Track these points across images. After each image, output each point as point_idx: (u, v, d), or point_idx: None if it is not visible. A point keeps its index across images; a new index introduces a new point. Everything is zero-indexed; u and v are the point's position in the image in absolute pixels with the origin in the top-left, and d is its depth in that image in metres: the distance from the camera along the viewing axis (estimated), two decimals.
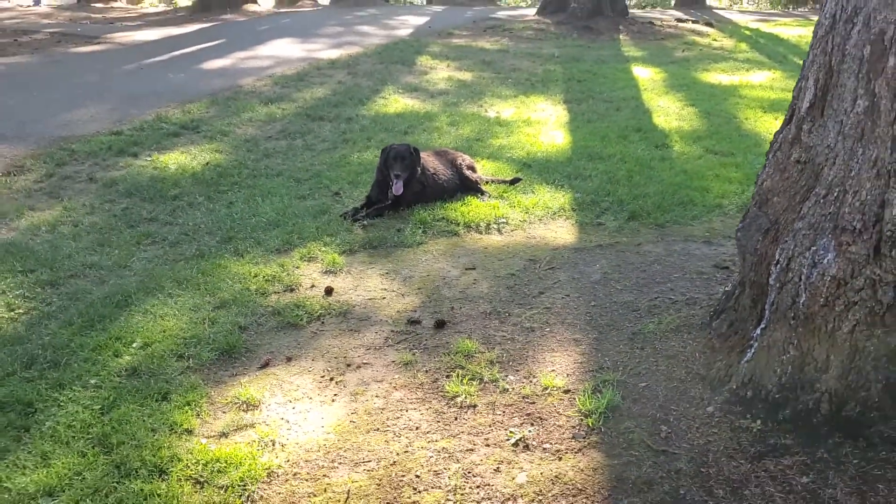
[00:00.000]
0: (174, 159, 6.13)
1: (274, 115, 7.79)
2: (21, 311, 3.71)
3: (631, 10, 19.29)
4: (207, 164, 6.10)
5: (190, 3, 19.08)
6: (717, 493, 2.54)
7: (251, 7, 18.49)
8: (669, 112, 8.75)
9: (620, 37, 15.08)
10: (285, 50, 11.85)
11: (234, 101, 8.21)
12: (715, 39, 15.08)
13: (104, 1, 19.81)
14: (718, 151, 6.95)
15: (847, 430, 2.64)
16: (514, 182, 5.96)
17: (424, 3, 28.95)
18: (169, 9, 19.82)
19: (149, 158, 6.13)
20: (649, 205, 5.51)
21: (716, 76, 11.20)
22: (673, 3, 25.50)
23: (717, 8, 23.63)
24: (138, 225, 4.83)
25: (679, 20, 17.81)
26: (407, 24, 16.09)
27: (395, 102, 8.68)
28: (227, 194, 5.45)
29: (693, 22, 17.58)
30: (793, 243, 2.77)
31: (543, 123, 7.99)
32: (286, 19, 16.50)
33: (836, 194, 2.66)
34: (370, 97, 8.85)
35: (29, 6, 17.90)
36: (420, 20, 17.12)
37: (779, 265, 2.82)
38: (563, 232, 5.11)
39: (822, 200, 2.71)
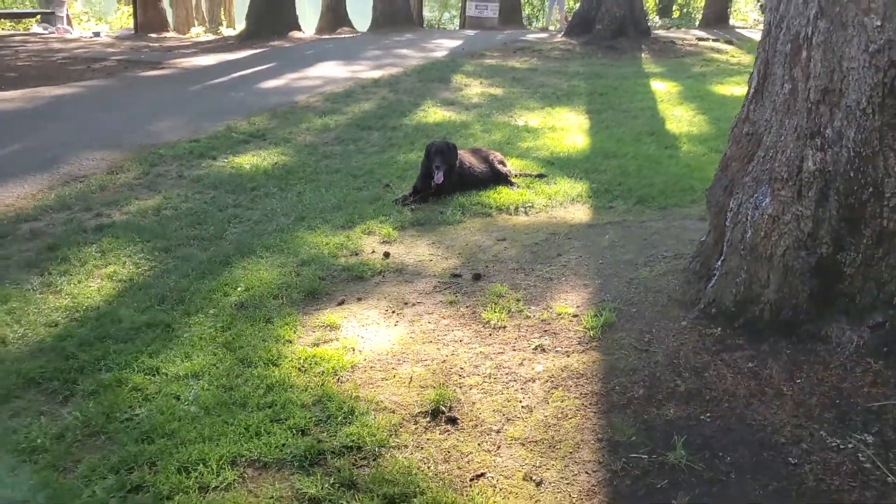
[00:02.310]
0: (247, 161, 7.20)
1: (328, 125, 8.85)
2: (146, 267, 4.74)
3: (655, 31, 20.21)
4: (276, 164, 7.16)
5: (237, 32, 20.46)
6: (685, 375, 3.44)
7: (296, 34, 19.78)
8: (682, 119, 9.66)
9: (642, 55, 16.01)
10: (332, 71, 12.99)
11: (291, 115, 9.31)
12: (733, 56, 15.95)
13: (158, 31, 21.24)
14: (722, 150, 7.81)
15: (782, 330, 3.53)
16: (539, 177, 6.91)
17: (457, 28, 30.20)
18: (219, 37, 21.19)
19: (226, 160, 7.20)
20: (655, 192, 6.43)
21: (729, 88, 12.07)
22: (697, 23, 26.38)
23: (739, 27, 24.41)
24: (226, 209, 5.86)
25: (700, 39, 18.70)
26: (442, 47, 17.19)
27: (434, 114, 9.71)
28: (296, 187, 6.48)
29: (714, 40, 18.46)
30: (742, 194, 3.69)
31: (566, 130, 8.95)
32: (329, 45, 17.72)
33: (771, 154, 3.58)
34: (411, 110, 9.90)
35: (91, 37, 19.33)
36: (454, 43, 18.21)
37: (732, 211, 3.73)
38: (579, 213, 6.04)
39: (761, 160, 3.63)
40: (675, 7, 32.26)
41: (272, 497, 2.68)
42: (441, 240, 5.41)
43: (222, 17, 30.62)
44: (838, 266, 3.43)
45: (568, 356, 3.68)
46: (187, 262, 4.77)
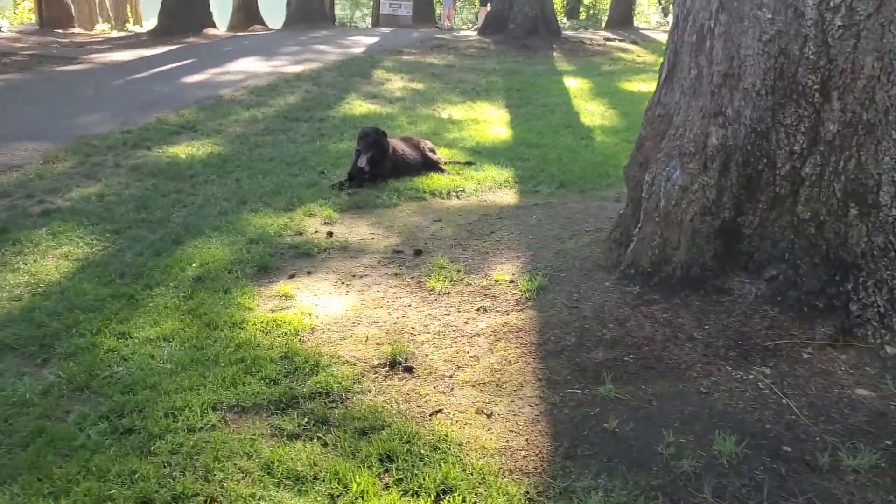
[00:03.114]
0: (182, 150, 7.35)
1: (256, 117, 9.05)
2: (99, 247, 4.91)
3: (564, 32, 21.01)
4: (211, 153, 7.33)
5: (150, 29, 20.17)
6: (610, 325, 3.89)
7: (210, 31, 19.66)
8: (594, 113, 10.28)
9: (554, 54, 16.70)
10: (253, 66, 13.10)
11: (218, 107, 9.45)
12: (638, 55, 16.81)
13: (63, 27, 20.71)
14: (632, 140, 8.40)
15: (692, 285, 4.03)
16: (468, 164, 7.33)
17: (369, 26, 30.43)
18: (130, 34, 20.84)
19: (160, 150, 7.33)
20: (574, 177, 6.94)
21: (636, 85, 12.82)
22: (603, 24, 27.45)
23: (643, 28, 25.56)
24: (169, 195, 6.03)
25: (607, 39, 19.58)
26: (359, 44, 17.45)
27: (359, 106, 10.02)
28: (233, 174, 6.69)
29: (620, 41, 19.37)
30: (655, 168, 4.18)
31: (489, 122, 9.42)
32: (246, 41, 17.73)
33: (680, 132, 4.08)
34: (337, 103, 10.17)
35: None
36: (371, 40, 18.50)
37: (647, 184, 4.22)
38: (507, 197, 6.48)
39: (672, 138, 4.13)
40: (581, 9, 33.41)
41: (253, 434, 2.98)
42: (380, 221, 5.74)
43: (128, 13, 29.93)
44: (738, 228, 3.96)
45: (508, 315, 4.09)
46: (139, 243, 4.95)
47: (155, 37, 18.21)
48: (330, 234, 5.39)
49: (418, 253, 5.06)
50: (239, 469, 2.76)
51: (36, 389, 3.23)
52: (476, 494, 2.70)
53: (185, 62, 13.51)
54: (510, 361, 3.64)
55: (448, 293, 4.40)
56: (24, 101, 9.56)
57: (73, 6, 23.47)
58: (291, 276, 4.63)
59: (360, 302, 4.29)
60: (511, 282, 4.49)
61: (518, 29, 17.79)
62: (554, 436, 3.10)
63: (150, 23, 29.89)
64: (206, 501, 2.59)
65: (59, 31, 19.56)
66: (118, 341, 3.64)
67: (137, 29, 25.19)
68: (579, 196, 6.46)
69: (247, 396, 3.21)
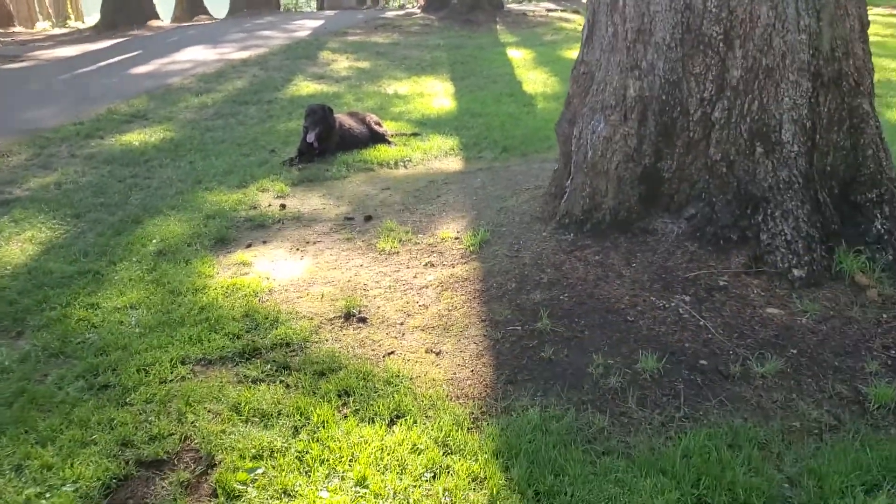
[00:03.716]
0: (135, 138, 7.49)
1: (205, 103, 9.19)
2: (61, 231, 5.10)
3: (508, 5, 21.26)
4: (163, 139, 7.49)
5: (93, 24, 19.99)
6: (547, 270, 4.21)
7: (155, 23, 19.56)
8: (536, 82, 10.58)
9: (497, 27, 16.96)
10: (200, 55, 13.16)
11: (168, 96, 9.56)
12: (579, 24, 17.10)
13: (3, 26, 20.43)
14: None
15: (620, 228, 4.37)
16: (414, 135, 7.60)
17: (314, 10, 30.32)
18: (73, 30, 20.60)
19: (113, 139, 7.47)
20: (517, 142, 7.25)
21: (576, 53, 13.12)
22: None
23: None
24: (125, 180, 6.20)
25: (549, 10, 19.88)
26: (304, 28, 17.52)
27: (306, 87, 10.20)
28: (186, 157, 6.88)
29: (562, 11, 19.69)
30: (582, 122, 4.50)
31: (434, 95, 9.67)
32: (191, 31, 17.68)
33: (601, 87, 4.40)
34: (284, 85, 10.34)
35: None
36: (315, 23, 18.57)
37: (575, 138, 4.54)
38: (453, 164, 6.77)
39: (595, 93, 4.45)
40: None
41: (221, 382, 3.24)
42: (331, 192, 6.00)
43: (69, 10, 29.46)
44: (659, 173, 4.31)
45: (453, 267, 4.40)
46: (100, 224, 5.15)
47: (98, 31, 18.09)
48: (283, 206, 5.63)
49: (368, 219, 5.33)
50: (209, 411, 3.03)
51: (13, 358, 3.46)
52: (426, 417, 3.01)
53: (132, 54, 13.50)
54: (456, 307, 3.94)
55: (397, 252, 4.68)
56: None
57: (11, 5, 23.10)
58: (248, 246, 4.87)
59: (315, 265, 4.56)
60: (456, 238, 4.79)
61: (461, 4, 18.02)
62: (496, 366, 3.42)
63: (91, 18, 29.49)
64: (180, 439, 2.86)
65: (1, 30, 19.30)
66: (88, 312, 3.87)
67: (79, 25, 24.87)
68: (521, 159, 6.77)
69: (212, 350, 3.47)
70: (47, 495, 2.57)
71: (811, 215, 3.99)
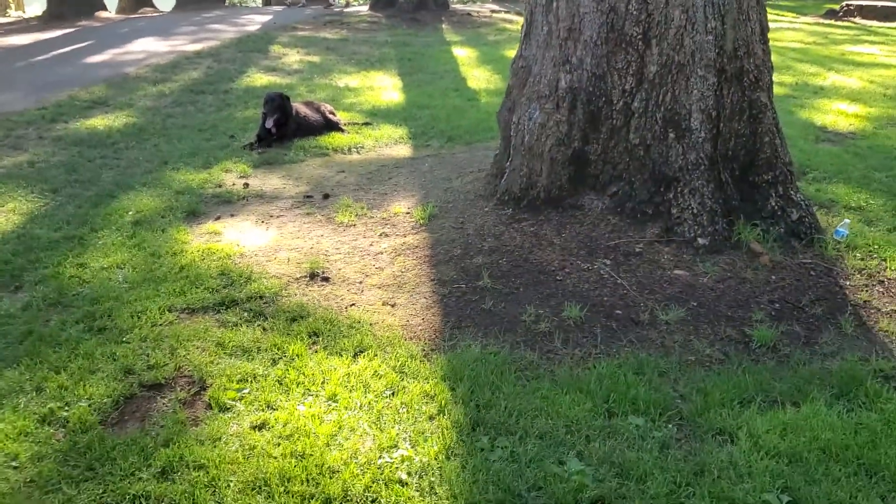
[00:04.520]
0: (99, 122, 7.83)
1: (163, 91, 9.54)
2: (41, 203, 5.47)
3: (453, 5, 21.87)
4: (126, 123, 7.85)
5: (40, 14, 19.91)
6: (488, 239, 4.78)
7: (102, 14, 19.58)
8: (480, 78, 11.19)
9: (443, 26, 17.54)
10: (152, 46, 13.41)
11: (125, 84, 9.87)
12: (521, 26, 17.81)
13: None
14: None
15: (553, 204, 4.97)
16: (365, 124, 8.11)
17: (261, 4, 30.44)
18: (18, 19, 20.45)
19: (78, 123, 7.79)
20: (462, 132, 7.82)
21: None
22: None
23: None
24: (94, 160, 6.57)
25: (493, 11, 20.55)
26: (253, 22, 17.82)
27: (260, 79, 10.61)
28: (150, 140, 7.27)
29: (505, 12, 20.37)
30: (520, 110, 5.09)
31: (383, 88, 10.19)
32: (141, 23, 17.81)
33: (537, 79, 4.99)
34: (238, 76, 10.73)
35: None
36: (264, 18, 18.88)
37: (514, 124, 5.12)
38: (402, 151, 7.31)
39: (531, 84, 5.04)
40: None
41: (205, 326, 3.73)
42: (290, 174, 6.48)
43: None
44: (586, 155, 4.92)
45: (405, 237, 4.94)
46: (77, 198, 5.54)
47: (45, 21, 18.06)
48: (246, 185, 6.09)
49: (326, 197, 5.83)
50: (197, 347, 3.52)
51: (16, 306, 3.88)
52: (384, 352, 3.55)
53: (84, 44, 13.67)
54: (408, 269, 4.49)
55: (354, 225, 5.20)
56: None
57: None
58: (217, 218, 5.33)
59: (280, 235, 5.05)
60: (407, 213, 5.33)
61: (407, 3, 18.57)
62: (444, 315, 3.97)
63: (32, 8, 29.14)
64: (175, 368, 3.34)
65: None
66: (78, 270, 4.30)
67: (21, 14, 24.59)
68: (466, 147, 7.35)
69: (195, 301, 3.95)
70: (66, 408, 3.03)
71: (715, 192, 4.65)
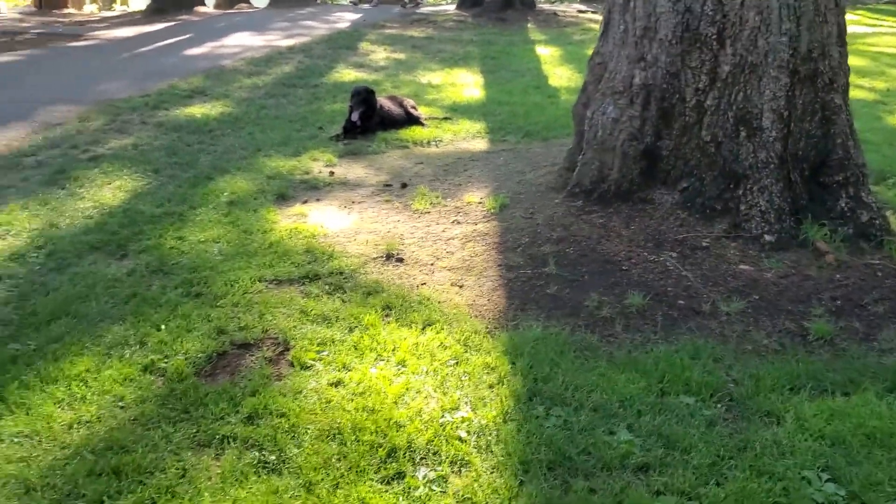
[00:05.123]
0: (197, 111, 8.37)
1: (257, 84, 10.05)
2: (144, 182, 5.95)
3: (539, 5, 21.99)
4: (222, 112, 8.36)
5: (144, 8, 21.07)
6: (557, 229, 4.98)
7: (201, 9, 20.55)
8: (562, 76, 11.34)
9: (528, 25, 17.69)
10: (247, 41, 14.05)
11: (222, 76, 10.45)
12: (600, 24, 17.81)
13: (58, 7, 21.53)
14: None
15: (623, 197, 5.12)
16: (445, 119, 8.39)
17: (350, 3, 31.19)
18: (125, 13, 21.65)
19: (178, 111, 8.34)
20: (539, 128, 8.02)
21: None
22: None
23: None
24: (193, 145, 7.06)
25: (580, 11, 20.58)
26: (343, 20, 18.38)
27: (348, 74, 11.03)
28: (245, 129, 7.73)
29: (592, 12, 20.35)
30: (594, 105, 5.26)
31: (465, 85, 10.46)
32: (237, 18, 18.63)
33: (612, 76, 5.16)
34: (327, 71, 11.18)
35: None
36: (355, 16, 19.42)
37: (588, 119, 5.30)
38: (479, 144, 7.56)
39: (606, 80, 5.21)
40: None
41: (290, 295, 4.06)
42: (372, 164, 6.80)
43: None
44: (658, 151, 5.05)
45: (476, 225, 5.18)
46: (176, 179, 6.00)
47: (148, 15, 19.10)
48: (332, 173, 6.44)
49: (404, 186, 6.12)
50: (282, 313, 3.85)
51: (122, 272, 4.30)
52: (451, 326, 3.80)
53: (184, 37, 14.45)
54: (477, 254, 4.73)
55: (429, 212, 5.47)
56: (48, 73, 10.55)
57: None
58: (304, 202, 5.69)
59: (360, 219, 5.36)
60: (479, 202, 5.57)
61: (493, 2, 18.79)
62: (508, 297, 4.20)
63: (136, 2, 30.59)
64: (262, 331, 3.68)
65: (56, 11, 20.41)
66: (177, 242, 4.71)
67: (125, 8, 25.97)
68: (542, 143, 7.53)
69: (282, 273, 4.30)
70: (165, 360, 3.40)
71: (783, 191, 4.73)
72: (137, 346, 3.52)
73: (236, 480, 2.69)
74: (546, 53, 13.55)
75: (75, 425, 3.00)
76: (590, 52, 13.96)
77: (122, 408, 3.11)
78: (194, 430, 2.95)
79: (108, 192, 5.67)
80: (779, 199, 4.71)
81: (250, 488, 2.65)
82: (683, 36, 4.85)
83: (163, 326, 3.68)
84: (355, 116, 7.53)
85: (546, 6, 22.30)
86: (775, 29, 4.68)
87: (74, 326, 3.70)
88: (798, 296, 4.24)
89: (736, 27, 4.74)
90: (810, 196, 4.84)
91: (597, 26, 17.90)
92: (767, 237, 4.66)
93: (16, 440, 2.91)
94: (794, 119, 4.77)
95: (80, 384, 3.24)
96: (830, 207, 4.82)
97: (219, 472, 2.74)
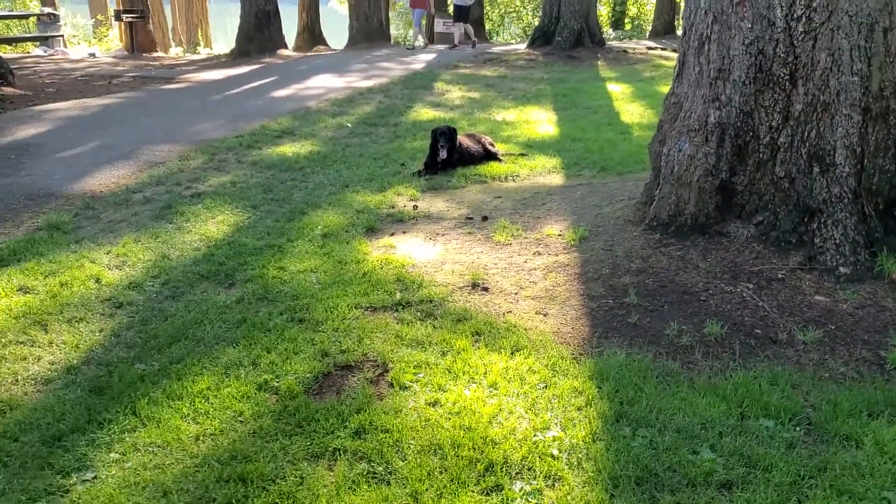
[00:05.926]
0: (288, 150, 8.87)
1: (341, 123, 10.56)
2: (244, 217, 6.40)
3: (609, 42, 22.26)
4: (311, 151, 8.84)
5: (228, 51, 22.15)
6: (636, 261, 5.18)
7: (283, 52, 21.48)
8: (633, 113, 11.54)
9: (598, 63, 17.96)
10: (329, 82, 14.70)
11: (308, 116, 11.00)
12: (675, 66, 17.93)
13: (148, 51, 22.80)
14: None
15: (699, 231, 5.30)
16: (521, 155, 8.69)
17: (406, 48, 32.04)
18: (211, 56, 22.78)
19: (270, 150, 8.86)
20: (614, 163, 8.24)
21: None
22: (647, 34, 28.57)
23: None
24: (286, 182, 7.52)
25: (650, 48, 20.76)
26: (419, 61, 18.97)
27: (426, 113, 11.47)
28: (333, 166, 8.17)
29: (661, 49, 20.53)
30: (670, 143, 5.47)
31: (538, 122, 10.77)
32: (318, 61, 19.42)
33: (688, 114, 5.37)
34: (406, 111, 11.64)
35: (89, 58, 20.76)
36: (429, 57, 20.02)
37: (664, 155, 5.51)
38: (555, 179, 7.81)
39: (682, 119, 5.42)
40: (627, 20, 34.59)
41: (385, 321, 4.37)
42: (453, 198, 7.13)
43: (199, 37, 32.22)
44: (733, 186, 5.22)
45: (557, 256, 5.42)
46: (273, 214, 6.43)
47: (233, 58, 20.08)
48: (415, 206, 6.79)
49: (485, 219, 6.41)
50: (379, 337, 4.16)
51: (231, 299, 4.69)
52: (538, 352, 4.04)
53: (269, 79, 15.20)
54: (559, 284, 4.97)
55: (510, 244, 5.74)
56: (146, 114, 11.30)
57: (154, 33, 25.67)
58: (392, 234, 6.03)
59: (445, 250, 5.66)
60: (559, 235, 5.81)
61: (564, 42, 19.14)
62: (591, 326, 4.42)
63: (219, 45, 32.10)
64: (362, 354, 3.99)
65: (146, 55, 21.64)
66: (279, 272, 5.09)
67: (208, 51, 27.27)
68: (617, 178, 7.75)
69: (376, 301, 4.61)
70: (277, 380, 3.74)
71: (858, 224, 4.84)
72: (251, 367, 3.87)
73: (349, 489, 2.98)
74: (617, 90, 13.78)
75: (201, 437, 3.34)
76: (660, 88, 14.22)
77: (241, 422, 3.44)
78: (308, 443, 3.26)
79: (213, 225, 6.13)
80: (853, 233, 4.82)
81: (363, 496, 2.93)
82: (756, 77, 5.03)
83: (272, 349, 4.02)
84: (443, 154, 7.89)
85: (615, 43, 22.55)
86: (846, 69, 4.83)
87: (193, 349, 4.08)
88: (874, 326, 4.33)
89: (808, 68, 4.90)
90: (885, 229, 4.93)
91: (666, 63, 18.08)
92: (842, 269, 4.76)
93: (150, 449, 3.27)
94: (867, 155, 4.88)
95: (203, 401, 3.59)
96: None
97: (333, 480, 3.03)
